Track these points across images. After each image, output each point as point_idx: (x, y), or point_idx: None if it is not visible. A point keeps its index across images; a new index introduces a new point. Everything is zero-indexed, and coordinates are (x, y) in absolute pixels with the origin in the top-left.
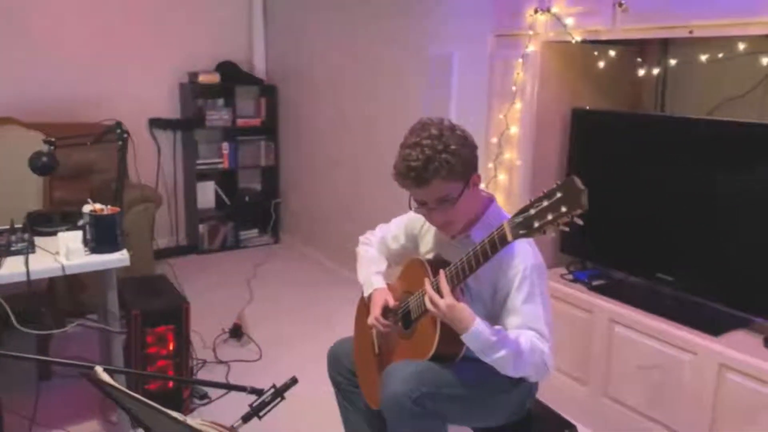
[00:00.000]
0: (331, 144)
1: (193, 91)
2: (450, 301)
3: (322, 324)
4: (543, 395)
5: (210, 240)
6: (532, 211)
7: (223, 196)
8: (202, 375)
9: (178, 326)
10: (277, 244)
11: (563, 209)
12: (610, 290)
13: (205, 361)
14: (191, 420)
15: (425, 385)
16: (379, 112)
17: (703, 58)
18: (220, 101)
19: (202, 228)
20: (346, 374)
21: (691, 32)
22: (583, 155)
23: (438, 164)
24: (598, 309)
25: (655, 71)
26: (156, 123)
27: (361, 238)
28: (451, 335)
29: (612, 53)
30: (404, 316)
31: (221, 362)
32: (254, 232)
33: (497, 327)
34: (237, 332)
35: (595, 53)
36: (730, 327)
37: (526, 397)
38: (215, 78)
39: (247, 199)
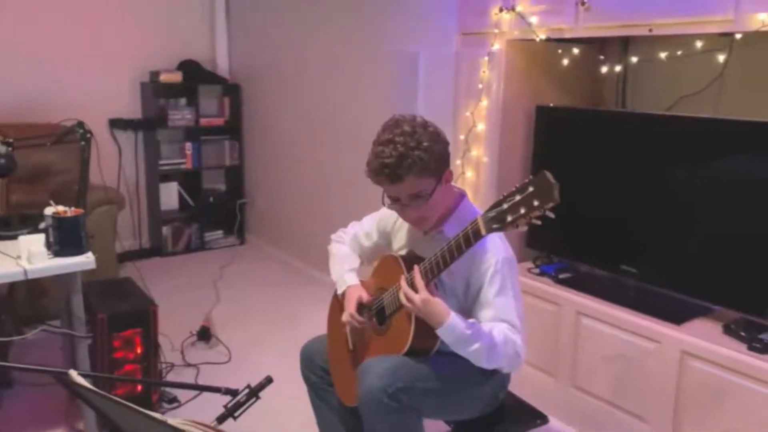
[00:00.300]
0: (296, 143)
1: (154, 90)
2: (425, 295)
3: (290, 323)
4: (513, 387)
5: (174, 242)
6: (505, 206)
7: (187, 198)
8: (170, 378)
9: (145, 330)
10: (242, 245)
11: (535, 203)
12: (576, 283)
13: (173, 365)
14: (173, 420)
15: (401, 379)
16: (344, 111)
17: (663, 55)
18: (183, 100)
19: (165, 230)
20: (320, 372)
21: (650, 30)
22: (547, 151)
23: (411, 161)
24: (564, 302)
25: (617, 69)
26: (116, 123)
27: (333, 236)
28: (425, 330)
29: (575, 51)
30: (378, 313)
31: (190, 365)
32: (219, 233)
33: (471, 320)
34: (205, 334)
35: (559, 51)
36: (692, 316)
37: (499, 389)
38: (177, 77)
39: (211, 199)
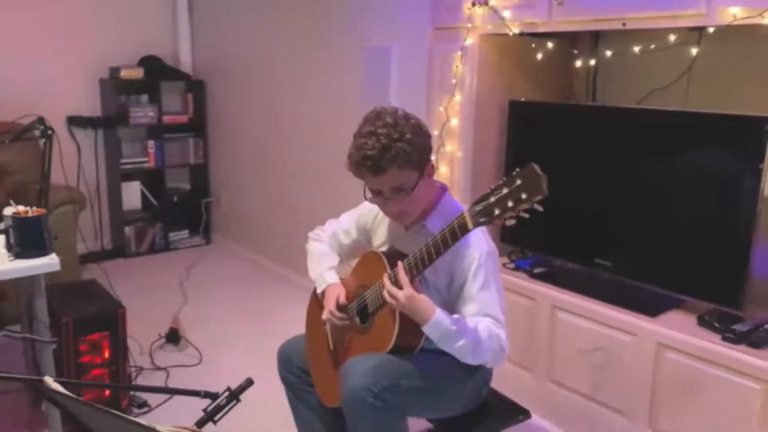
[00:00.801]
0: (263, 140)
1: (115, 86)
2: (409, 292)
3: (262, 323)
4: (492, 383)
5: (137, 243)
6: (492, 199)
7: (150, 197)
8: (140, 382)
9: (113, 333)
10: (208, 245)
11: (523, 196)
12: (551, 277)
13: (141, 368)
14: (161, 426)
15: (385, 378)
16: (314, 107)
17: (635, 49)
18: (145, 97)
19: (128, 230)
20: (298, 373)
21: (624, 24)
22: (520, 146)
23: (394, 153)
24: (540, 296)
25: (591, 63)
26: (75, 121)
27: (311, 234)
28: (409, 327)
29: (548, 45)
30: (361, 311)
31: (159, 368)
32: (184, 233)
33: (455, 316)
34: (174, 336)
35: (533, 45)
36: (666, 308)
37: (482, 386)
38: (138, 73)
39: (175, 199)
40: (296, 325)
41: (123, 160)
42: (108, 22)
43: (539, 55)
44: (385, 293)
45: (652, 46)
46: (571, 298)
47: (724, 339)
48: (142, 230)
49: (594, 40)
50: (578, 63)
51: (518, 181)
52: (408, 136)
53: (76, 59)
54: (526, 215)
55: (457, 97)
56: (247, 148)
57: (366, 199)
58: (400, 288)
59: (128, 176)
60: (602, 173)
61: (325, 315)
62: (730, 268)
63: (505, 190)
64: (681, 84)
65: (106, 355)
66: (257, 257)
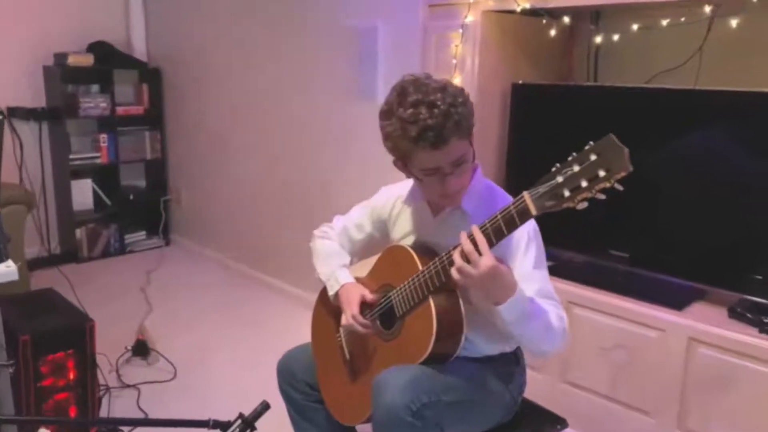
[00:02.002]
0: (227, 132)
1: (61, 75)
2: (492, 261)
3: (240, 331)
4: None
5: (90, 246)
6: (560, 178)
7: (103, 196)
8: (107, 403)
9: (79, 350)
10: (168, 246)
11: (601, 173)
12: (562, 271)
13: (108, 387)
14: None
15: (425, 393)
16: (288, 93)
17: (635, 27)
18: (95, 87)
19: (79, 233)
20: (303, 388)
21: None
22: (524, 130)
23: (457, 119)
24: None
25: (597, 40)
26: (16, 112)
27: (317, 232)
28: (448, 331)
29: (564, 21)
30: (384, 315)
31: (128, 386)
32: (141, 234)
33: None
34: (142, 349)
35: (543, 21)
36: (690, 300)
37: (518, 394)
38: (88, 60)
39: (131, 197)
40: (281, 332)
41: (72, 156)
42: (52, 3)
43: (549, 33)
44: (458, 258)
45: (654, 25)
46: (587, 293)
47: (762, 332)
48: (94, 232)
49: (595, 19)
50: (598, 39)
51: (593, 156)
52: (460, 100)
53: (17, 44)
54: (603, 196)
55: (457, 79)
56: (209, 142)
57: (417, 178)
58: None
59: (78, 173)
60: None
61: (345, 320)
62: (761, 255)
63: (576, 168)
64: (691, 64)
65: (71, 376)
66: (223, 258)
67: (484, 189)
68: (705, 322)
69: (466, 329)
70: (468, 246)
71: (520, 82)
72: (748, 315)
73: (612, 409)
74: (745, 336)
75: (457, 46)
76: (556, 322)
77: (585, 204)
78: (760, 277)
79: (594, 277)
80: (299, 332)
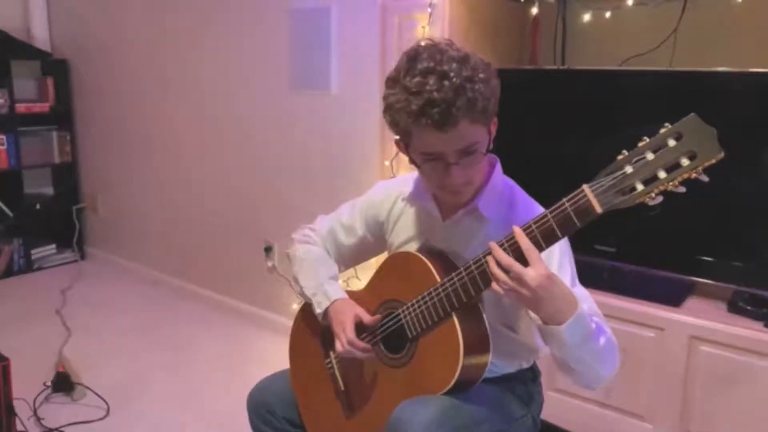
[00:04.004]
0: (152, 131)
1: None
2: (546, 270)
3: (175, 355)
4: None
5: None
6: (629, 169)
7: (3, 207)
8: None
9: None
10: (84, 261)
11: (684, 161)
12: None
13: None
14: None
15: (455, 428)
16: (224, 84)
17: (607, 15)
18: None
19: None
20: (282, 424)
21: None
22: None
23: (470, 97)
24: None
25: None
26: None
27: (296, 236)
28: (475, 355)
29: (524, 3)
30: (388, 337)
31: (52, 431)
32: (51, 248)
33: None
34: (64, 383)
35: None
36: (684, 295)
37: (538, 414)
38: None
39: (37, 206)
40: (227, 356)
41: None
42: None
43: (519, 15)
44: (496, 273)
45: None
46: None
47: None
48: None
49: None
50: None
51: (671, 142)
52: (482, 75)
53: None
54: (683, 189)
55: None
56: (128, 142)
57: (416, 163)
58: (527, 264)
59: None
60: (597, 145)
61: (340, 346)
62: (759, 243)
63: (649, 156)
64: (664, 48)
65: None
66: (151, 272)
67: (505, 189)
68: (705, 318)
69: (492, 351)
70: (504, 257)
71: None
72: (749, 308)
73: (605, 416)
74: (751, 331)
75: (424, 28)
76: (615, 340)
77: (660, 198)
78: (757, 267)
79: (580, 274)
80: (248, 355)
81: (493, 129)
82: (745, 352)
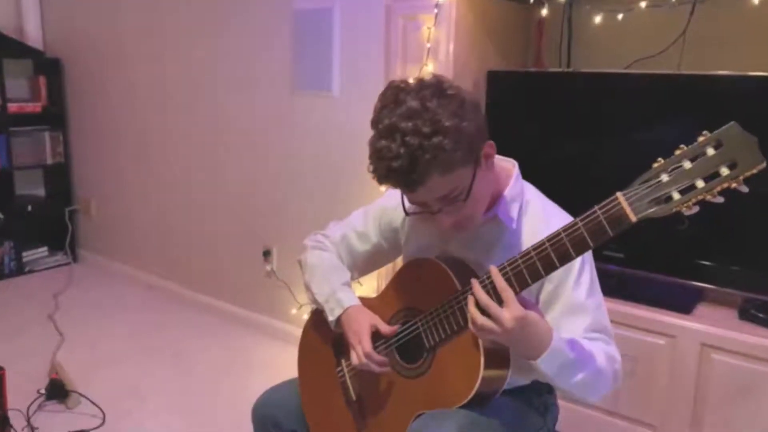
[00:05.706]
0: (148, 133)
1: None
2: (519, 311)
3: (172, 362)
4: None
5: None
6: (666, 177)
7: None
8: None
9: None
10: (76, 264)
11: (723, 171)
12: None
13: None
14: None
15: None
16: (223, 85)
17: (610, 13)
18: None
19: None
20: None
21: None
22: (501, 122)
23: (430, 156)
24: None
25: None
26: None
27: (308, 242)
28: (495, 366)
29: (531, 6)
30: (404, 346)
31: None
32: (43, 250)
33: (564, 337)
34: (58, 390)
35: (531, 1)
36: (695, 302)
37: (553, 425)
38: None
39: (28, 208)
40: (226, 363)
41: None
42: None
43: (526, 18)
44: (474, 313)
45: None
46: None
47: None
48: None
49: (569, 4)
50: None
51: (710, 150)
52: (446, 124)
53: None
54: (721, 199)
55: (429, 67)
56: (123, 143)
57: (407, 214)
58: (501, 305)
59: None
60: (603, 149)
61: (356, 358)
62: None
63: (686, 164)
64: (672, 50)
65: None
66: (146, 276)
67: (525, 196)
68: (717, 326)
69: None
70: (483, 297)
71: (497, 69)
72: (761, 315)
73: (614, 425)
74: (763, 339)
75: (429, 29)
76: (606, 365)
77: (697, 208)
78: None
79: None
80: (244, 360)
81: (490, 151)
82: (758, 360)
